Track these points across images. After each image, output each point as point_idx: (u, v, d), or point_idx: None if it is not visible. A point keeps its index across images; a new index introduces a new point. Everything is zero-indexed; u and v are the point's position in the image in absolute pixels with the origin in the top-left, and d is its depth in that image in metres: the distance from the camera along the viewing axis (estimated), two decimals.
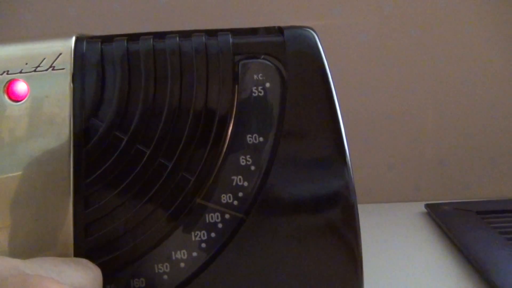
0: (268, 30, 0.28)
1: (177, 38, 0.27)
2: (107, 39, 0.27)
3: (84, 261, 0.23)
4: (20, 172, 0.25)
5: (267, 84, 0.27)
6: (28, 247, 0.25)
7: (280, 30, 0.28)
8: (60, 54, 0.26)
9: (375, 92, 0.54)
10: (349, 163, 0.27)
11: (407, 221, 0.48)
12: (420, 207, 0.50)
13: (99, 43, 0.27)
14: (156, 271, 0.26)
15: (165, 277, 0.26)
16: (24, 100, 0.25)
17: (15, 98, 0.25)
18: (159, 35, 0.27)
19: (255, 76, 0.27)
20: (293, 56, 0.27)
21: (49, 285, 0.18)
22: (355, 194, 0.26)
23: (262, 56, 0.27)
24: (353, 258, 0.26)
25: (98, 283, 0.23)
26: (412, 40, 0.53)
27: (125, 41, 0.26)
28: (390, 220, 0.49)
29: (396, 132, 0.54)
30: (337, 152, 0.27)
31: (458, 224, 0.43)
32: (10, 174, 0.25)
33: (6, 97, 0.25)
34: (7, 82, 0.25)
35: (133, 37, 0.27)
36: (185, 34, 0.27)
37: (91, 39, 0.27)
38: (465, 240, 0.39)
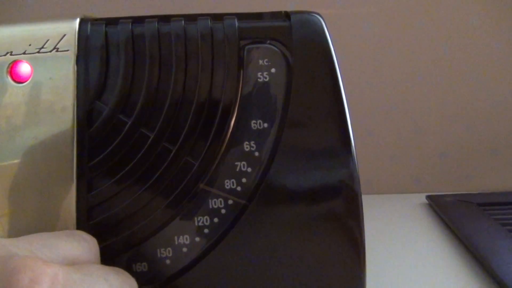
0: (275, 15, 0.28)
1: (183, 22, 0.26)
2: (111, 22, 0.26)
3: (77, 232, 0.23)
4: (23, 155, 0.25)
5: (273, 70, 0.26)
6: (31, 231, 0.25)
7: (286, 15, 0.27)
8: (64, 35, 0.25)
9: (377, 83, 0.54)
10: (354, 151, 0.26)
11: (408, 213, 0.48)
12: (421, 198, 0.50)
13: (104, 25, 0.26)
14: (159, 256, 0.26)
15: (168, 261, 0.26)
16: (27, 82, 0.25)
17: (19, 79, 0.25)
18: (164, 18, 0.27)
19: (260, 61, 0.26)
20: (299, 41, 0.26)
21: (33, 264, 0.17)
22: (359, 183, 0.26)
23: (268, 41, 0.27)
24: (356, 247, 0.26)
25: (94, 253, 0.22)
26: (415, 31, 0.53)
27: (130, 24, 0.26)
28: (391, 211, 0.49)
29: (398, 123, 0.54)
30: (342, 140, 0.26)
31: (459, 216, 0.43)
32: (15, 159, 0.25)
33: (9, 78, 0.25)
34: (10, 63, 0.25)
35: (137, 20, 0.26)
36: (191, 18, 0.27)
37: (96, 21, 0.27)
38: (466, 231, 0.39)
